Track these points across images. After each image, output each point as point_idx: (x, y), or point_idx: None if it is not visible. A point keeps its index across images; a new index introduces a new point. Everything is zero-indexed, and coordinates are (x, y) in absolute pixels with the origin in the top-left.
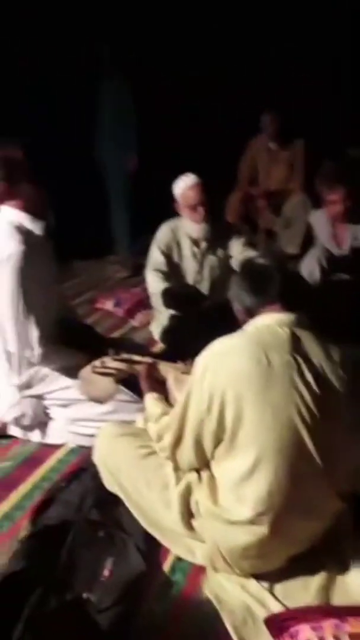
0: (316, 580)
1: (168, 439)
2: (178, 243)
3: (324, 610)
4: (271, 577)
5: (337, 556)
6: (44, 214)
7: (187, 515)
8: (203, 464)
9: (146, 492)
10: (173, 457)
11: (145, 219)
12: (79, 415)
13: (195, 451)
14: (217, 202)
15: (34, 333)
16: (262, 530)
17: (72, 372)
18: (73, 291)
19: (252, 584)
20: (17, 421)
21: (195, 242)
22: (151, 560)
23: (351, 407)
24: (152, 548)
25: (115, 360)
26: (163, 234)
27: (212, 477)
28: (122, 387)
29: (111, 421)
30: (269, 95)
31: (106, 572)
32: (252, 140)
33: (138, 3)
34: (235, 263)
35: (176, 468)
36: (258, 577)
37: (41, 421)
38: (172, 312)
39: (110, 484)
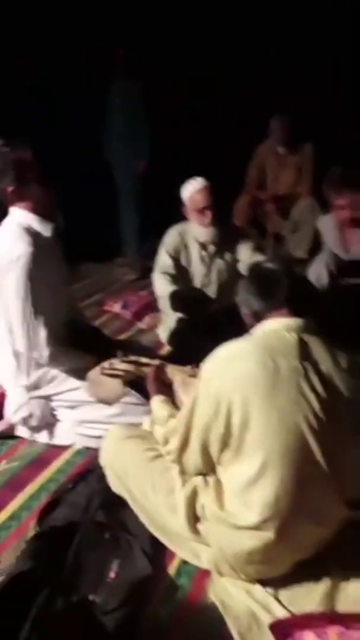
0: (321, 587)
1: (174, 443)
2: (186, 246)
3: (329, 617)
4: (276, 583)
5: (343, 563)
6: (52, 215)
7: (193, 519)
8: (209, 468)
9: (152, 495)
10: (179, 460)
11: (153, 221)
12: (87, 417)
13: (202, 455)
14: (225, 206)
15: (42, 334)
16: (268, 535)
17: (80, 373)
18: (81, 293)
19: (257, 589)
20: (24, 422)
21: (203, 246)
22: (157, 563)
23: (358, 413)
24: (157, 551)
25: (123, 362)
26: (171, 237)
27: (218, 482)
28: (129, 390)
29: (118, 423)
30: (278, 99)
31: (112, 574)
32: (261, 144)
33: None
34: (243, 267)
35: (182, 471)
36: (263, 582)
37: (48, 422)
38: (179, 315)
39: (116, 486)
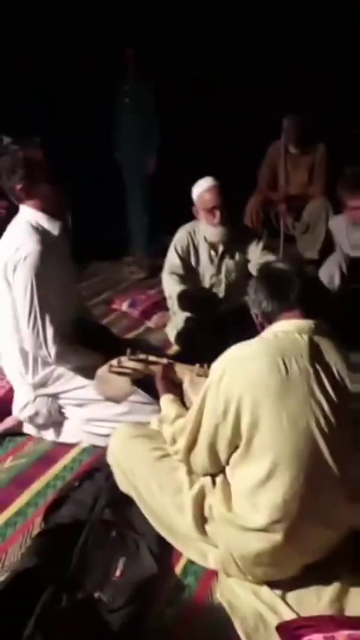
0: (330, 590)
1: (182, 443)
2: (195, 246)
3: (338, 621)
4: (284, 585)
5: (352, 567)
6: (61, 214)
7: (201, 519)
8: (217, 469)
9: (159, 494)
10: (187, 460)
11: (162, 220)
12: (94, 415)
13: (209, 455)
14: (236, 206)
15: (50, 332)
16: (276, 537)
17: (87, 372)
18: (89, 291)
19: (265, 590)
20: (31, 420)
21: (213, 246)
22: (163, 563)
23: None
24: (164, 550)
25: (132, 360)
26: (180, 237)
27: (226, 482)
28: (137, 389)
29: (126, 422)
30: (290, 99)
31: (118, 572)
32: (273, 144)
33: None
34: (253, 267)
35: (190, 471)
36: (271, 584)
37: (55, 420)
38: (187, 314)
39: (123, 485)
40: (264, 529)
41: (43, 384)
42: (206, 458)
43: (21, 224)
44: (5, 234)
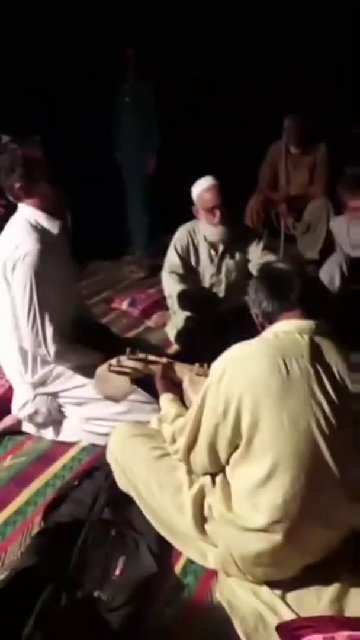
0: (330, 591)
1: (182, 442)
2: (195, 246)
3: (337, 622)
4: (284, 585)
5: (352, 567)
6: (60, 213)
7: (200, 518)
8: (217, 468)
9: (159, 494)
10: (187, 460)
11: (162, 220)
12: (93, 414)
13: (209, 455)
14: (236, 205)
15: (49, 331)
16: (276, 538)
17: (87, 371)
18: (89, 290)
19: (265, 590)
20: (30, 418)
21: (213, 245)
22: (163, 562)
23: None
24: (164, 549)
25: (132, 359)
26: (180, 236)
27: (226, 482)
28: (136, 388)
29: (125, 421)
30: (290, 99)
31: (117, 571)
32: (273, 144)
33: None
34: (253, 267)
35: (190, 471)
36: (271, 584)
37: (55, 419)
38: (187, 314)
39: (123, 484)
40: (264, 529)
41: (42, 382)
42: (206, 457)
43: (20, 223)
44: (4, 233)
